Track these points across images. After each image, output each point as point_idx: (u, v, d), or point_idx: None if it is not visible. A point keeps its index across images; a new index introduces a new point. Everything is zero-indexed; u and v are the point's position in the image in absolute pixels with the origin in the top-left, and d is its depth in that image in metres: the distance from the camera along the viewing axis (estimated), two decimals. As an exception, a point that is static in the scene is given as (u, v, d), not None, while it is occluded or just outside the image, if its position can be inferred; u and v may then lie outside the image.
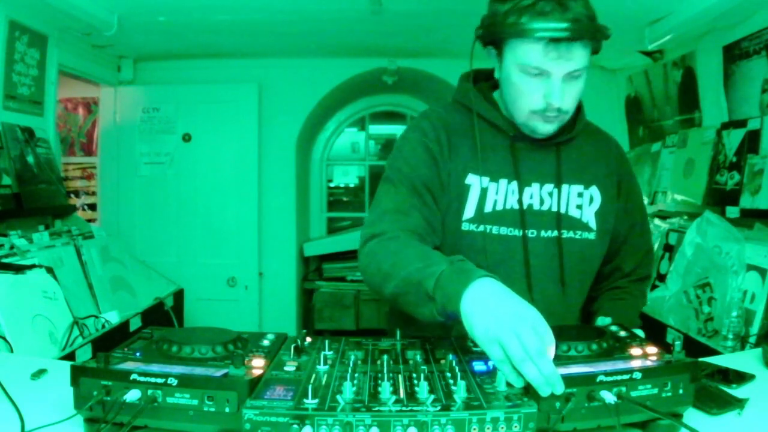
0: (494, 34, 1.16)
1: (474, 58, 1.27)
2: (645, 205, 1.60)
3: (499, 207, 1.24)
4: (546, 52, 1.10)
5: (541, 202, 1.26)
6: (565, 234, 1.27)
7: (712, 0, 2.18)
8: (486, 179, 1.24)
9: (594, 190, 1.31)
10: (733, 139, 2.29)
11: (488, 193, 1.24)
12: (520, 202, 1.25)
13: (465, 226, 1.23)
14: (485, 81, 1.33)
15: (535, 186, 1.26)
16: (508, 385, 0.87)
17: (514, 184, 1.25)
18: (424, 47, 3.47)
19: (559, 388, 0.82)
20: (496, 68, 1.23)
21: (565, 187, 1.28)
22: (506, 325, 0.87)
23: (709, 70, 2.51)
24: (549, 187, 1.27)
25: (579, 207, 1.29)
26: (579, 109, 1.29)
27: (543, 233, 1.26)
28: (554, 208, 1.27)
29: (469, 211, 1.23)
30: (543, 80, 1.13)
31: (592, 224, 1.30)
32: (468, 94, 1.28)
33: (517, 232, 1.24)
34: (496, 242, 1.23)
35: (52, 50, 2.69)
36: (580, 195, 1.29)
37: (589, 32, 1.10)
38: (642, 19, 2.54)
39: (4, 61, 2.36)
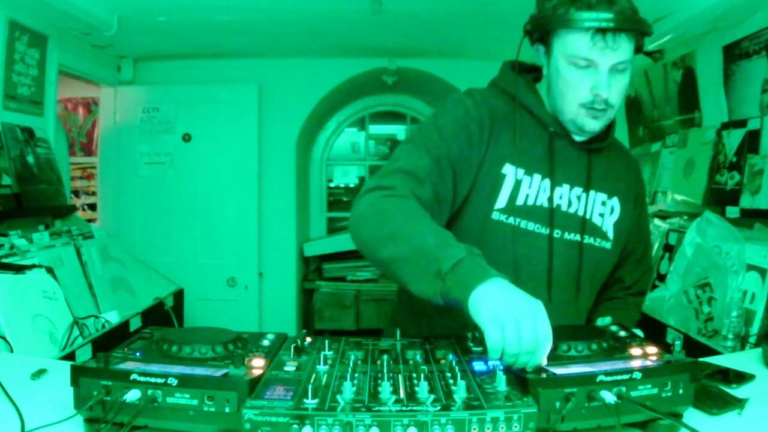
0: (543, 27, 1.18)
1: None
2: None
3: (530, 202, 1.24)
4: (593, 42, 1.12)
5: (569, 204, 1.27)
6: (587, 240, 1.28)
7: (712, 0, 2.18)
8: (521, 171, 1.23)
9: (615, 202, 1.33)
10: (733, 139, 2.29)
11: (522, 186, 1.23)
12: (550, 200, 1.25)
13: (495, 215, 1.23)
14: (527, 73, 1.33)
15: (566, 187, 1.27)
16: (509, 385, 0.87)
17: (547, 182, 1.25)
18: (424, 47, 3.46)
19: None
20: (544, 65, 1.24)
21: (592, 193, 1.29)
22: (513, 311, 0.89)
23: (709, 70, 2.51)
24: (578, 190, 1.28)
25: (601, 215, 1.31)
26: (613, 121, 1.31)
27: (567, 236, 1.27)
28: (580, 213, 1.28)
29: (502, 200, 1.23)
30: (590, 72, 1.16)
31: (610, 234, 1.32)
32: (511, 80, 1.28)
33: (544, 231, 1.25)
34: (522, 237, 1.23)
35: (52, 50, 2.69)
36: (603, 204, 1.31)
37: (634, 23, 1.13)
38: (642, 19, 2.54)
39: (4, 61, 2.36)
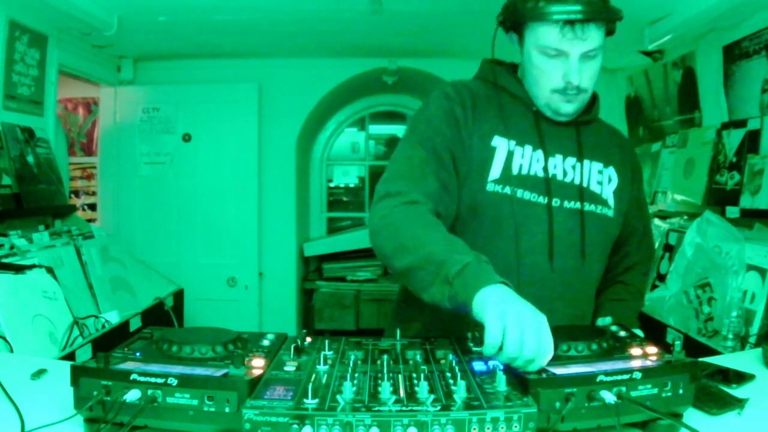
0: (514, 19, 1.21)
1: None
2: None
3: (525, 171, 1.25)
4: (563, 34, 1.15)
5: (564, 173, 1.28)
6: (588, 207, 1.29)
7: (712, 0, 2.18)
8: (513, 142, 1.25)
9: (612, 171, 1.34)
10: (733, 139, 2.29)
11: (514, 156, 1.24)
12: (545, 169, 1.26)
13: (490, 187, 1.23)
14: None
15: (559, 157, 1.28)
16: (509, 385, 0.87)
17: (540, 153, 1.26)
18: (424, 47, 3.47)
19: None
20: (518, 53, 1.27)
21: (586, 162, 1.30)
22: (518, 314, 0.90)
23: (709, 70, 2.51)
24: (572, 160, 1.29)
25: (599, 183, 1.31)
26: (595, 97, 1.33)
27: (566, 204, 1.27)
28: (577, 181, 1.28)
29: (495, 171, 1.23)
30: (561, 60, 1.19)
31: (611, 202, 1.32)
32: (492, 70, 1.31)
33: (542, 200, 1.25)
34: (520, 206, 1.23)
35: (52, 50, 2.69)
36: (600, 172, 1.32)
37: (602, 13, 1.15)
38: (642, 19, 2.54)
39: (4, 61, 2.36)
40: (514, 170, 1.24)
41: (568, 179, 1.28)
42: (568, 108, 1.24)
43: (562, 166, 1.28)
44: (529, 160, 1.25)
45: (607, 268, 1.41)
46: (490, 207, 1.23)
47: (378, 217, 1.14)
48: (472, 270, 0.98)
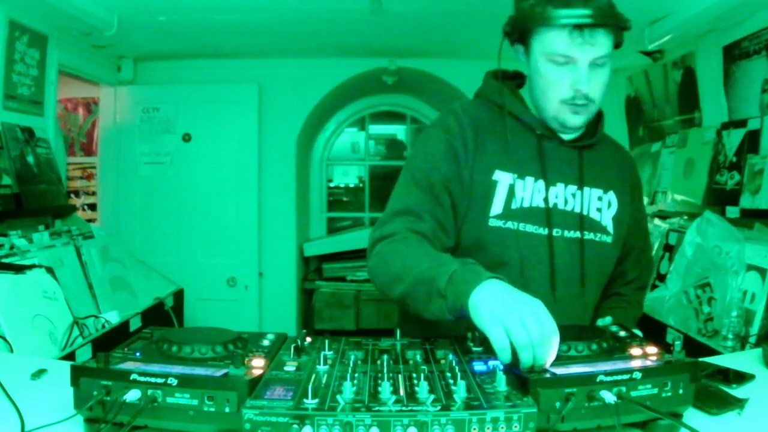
0: (521, 26, 1.20)
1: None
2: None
3: (526, 204, 1.25)
4: (571, 39, 1.14)
5: (565, 202, 1.28)
6: (587, 235, 1.29)
7: (712, 0, 2.18)
8: (514, 176, 1.25)
9: (611, 196, 1.33)
10: (733, 139, 2.29)
11: (516, 190, 1.24)
12: (546, 200, 1.26)
13: (492, 222, 1.23)
14: (510, 80, 1.35)
15: (560, 186, 1.27)
16: (509, 385, 0.87)
17: (541, 183, 1.26)
18: (424, 47, 3.47)
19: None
20: (525, 66, 1.26)
21: (586, 189, 1.30)
22: (513, 310, 0.91)
23: (709, 70, 2.51)
24: (572, 188, 1.28)
25: (599, 210, 1.31)
26: (600, 116, 1.32)
27: (566, 233, 1.27)
28: (577, 209, 1.28)
29: (497, 207, 1.23)
30: (570, 69, 1.17)
31: (610, 228, 1.32)
32: (495, 89, 1.30)
33: (543, 231, 1.25)
34: (522, 239, 1.24)
35: (52, 50, 2.69)
36: (599, 199, 1.31)
37: (611, 18, 1.14)
38: (642, 19, 2.54)
39: (4, 61, 2.36)
40: (516, 204, 1.24)
41: (568, 207, 1.28)
42: (575, 120, 1.22)
43: (563, 195, 1.28)
44: (530, 192, 1.25)
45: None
46: (493, 241, 1.23)
47: (373, 254, 1.18)
48: (460, 276, 1.00)
